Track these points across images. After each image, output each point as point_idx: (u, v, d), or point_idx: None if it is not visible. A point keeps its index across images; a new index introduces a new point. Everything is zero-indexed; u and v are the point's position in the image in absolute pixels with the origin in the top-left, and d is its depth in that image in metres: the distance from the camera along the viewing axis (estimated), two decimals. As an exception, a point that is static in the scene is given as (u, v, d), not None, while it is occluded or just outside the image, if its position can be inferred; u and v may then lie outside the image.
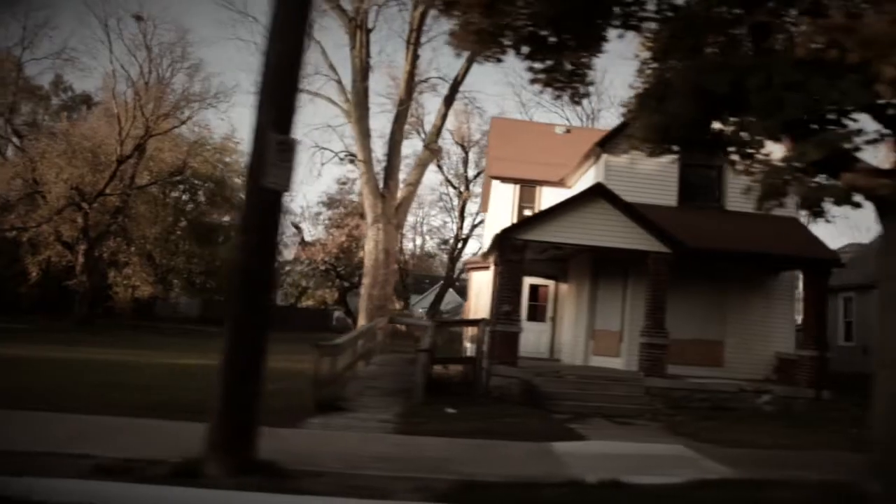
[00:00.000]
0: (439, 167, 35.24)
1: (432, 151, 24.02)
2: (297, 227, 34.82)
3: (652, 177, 15.18)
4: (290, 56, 6.67)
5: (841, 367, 20.99)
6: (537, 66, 9.76)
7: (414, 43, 22.56)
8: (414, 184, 24.27)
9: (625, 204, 13.50)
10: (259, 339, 6.37)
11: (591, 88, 10.14)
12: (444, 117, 24.02)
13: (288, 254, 34.21)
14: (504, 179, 18.34)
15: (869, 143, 8.05)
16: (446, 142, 34.57)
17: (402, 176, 25.34)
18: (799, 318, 17.45)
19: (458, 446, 8.33)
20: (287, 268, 33.67)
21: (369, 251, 22.43)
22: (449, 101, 23.86)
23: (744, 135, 7.85)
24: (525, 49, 9.33)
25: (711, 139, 8.58)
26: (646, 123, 9.19)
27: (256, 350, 6.34)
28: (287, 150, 6.49)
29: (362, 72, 21.96)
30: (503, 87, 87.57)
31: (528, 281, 18.01)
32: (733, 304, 15.12)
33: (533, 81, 9.78)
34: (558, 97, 10.11)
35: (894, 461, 6.47)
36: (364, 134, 22.28)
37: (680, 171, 15.29)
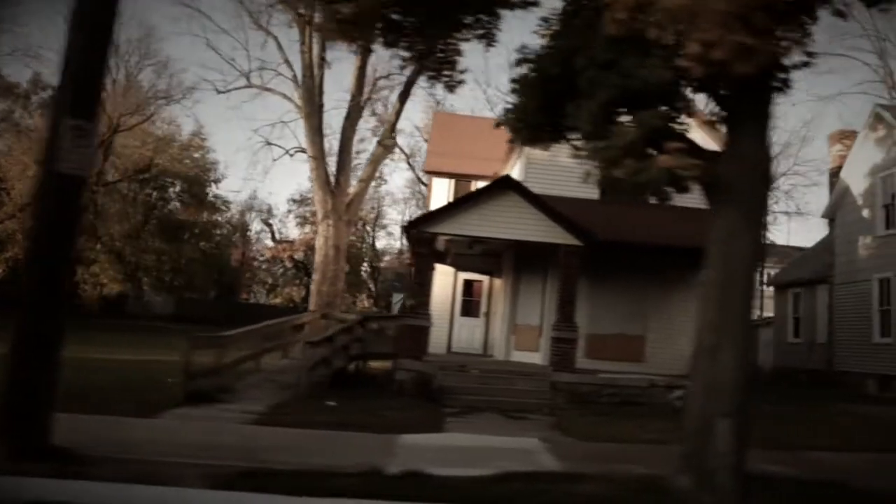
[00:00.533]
0: (410, 165, 35.13)
1: (386, 148, 23.91)
2: (267, 224, 34.83)
3: (573, 169, 14.87)
4: (93, 42, 6.59)
5: (792, 363, 20.71)
6: (405, 54, 9.69)
7: (364, 38, 22.42)
8: (367, 180, 24.18)
9: (534, 196, 13.33)
10: (50, 327, 6.30)
11: (464, 76, 10.04)
12: (398, 114, 23.87)
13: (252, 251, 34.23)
14: (440, 174, 18.22)
15: (710, 122, 7.86)
16: (416, 139, 34.47)
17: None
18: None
19: (303, 437, 8.24)
20: (255, 264, 33.71)
21: (319, 247, 22.35)
22: (403, 97, 23.70)
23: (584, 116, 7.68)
24: (390, 37, 9.26)
25: (563, 125, 8.42)
26: (512, 110, 9.08)
27: (47, 337, 6.27)
28: (84, 135, 6.41)
29: (311, 68, 21.90)
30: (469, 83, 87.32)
31: (463, 276, 17.98)
32: (656, 299, 14.90)
33: (403, 68, 9.74)
34: (432, 85, 10.01)
35: (704, 454, 6.28)
36: (314, 130, 22.22)
37: (603, 163, 15.06)
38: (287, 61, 23.51)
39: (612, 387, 12.96)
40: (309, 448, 7.68)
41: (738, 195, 6.64)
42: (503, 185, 13.34)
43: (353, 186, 23.38)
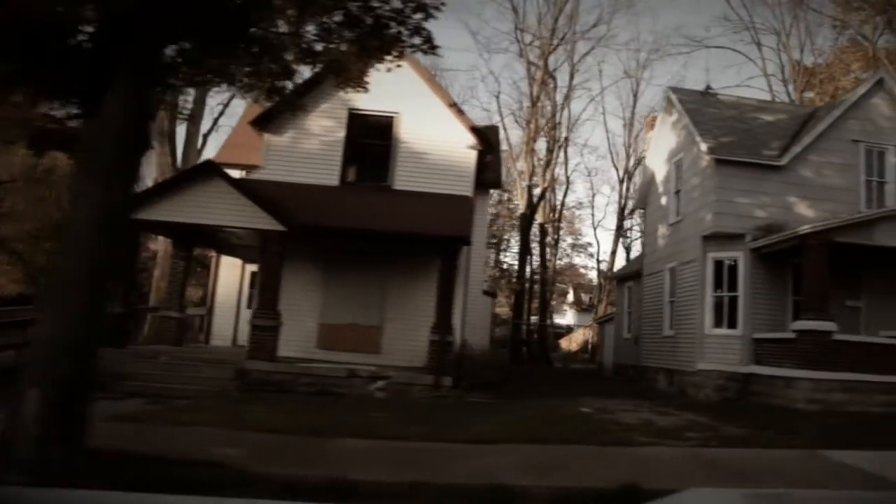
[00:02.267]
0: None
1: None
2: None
3: (315, 156, 14.67)
4: None
5: (626, 359, 19.85)
6: None
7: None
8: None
9: (237, 182, 13.04)
10: None
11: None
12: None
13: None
14: (230, 166, 17.94)
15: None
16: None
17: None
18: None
19: None
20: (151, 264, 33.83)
21: (161, 240, 22.30)
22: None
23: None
24: None
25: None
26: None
27: None
28: None
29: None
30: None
31: (251, 268, 17.67)
32: (395, 289, 14.41)
33: None
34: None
35: (12, 426, 5.89)
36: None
37: (344, 149, 14.71)
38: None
39: (308, 376, 12.53)
40: None
41: (91, 154, 6.26)
42: (207, 171, 13.05)
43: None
